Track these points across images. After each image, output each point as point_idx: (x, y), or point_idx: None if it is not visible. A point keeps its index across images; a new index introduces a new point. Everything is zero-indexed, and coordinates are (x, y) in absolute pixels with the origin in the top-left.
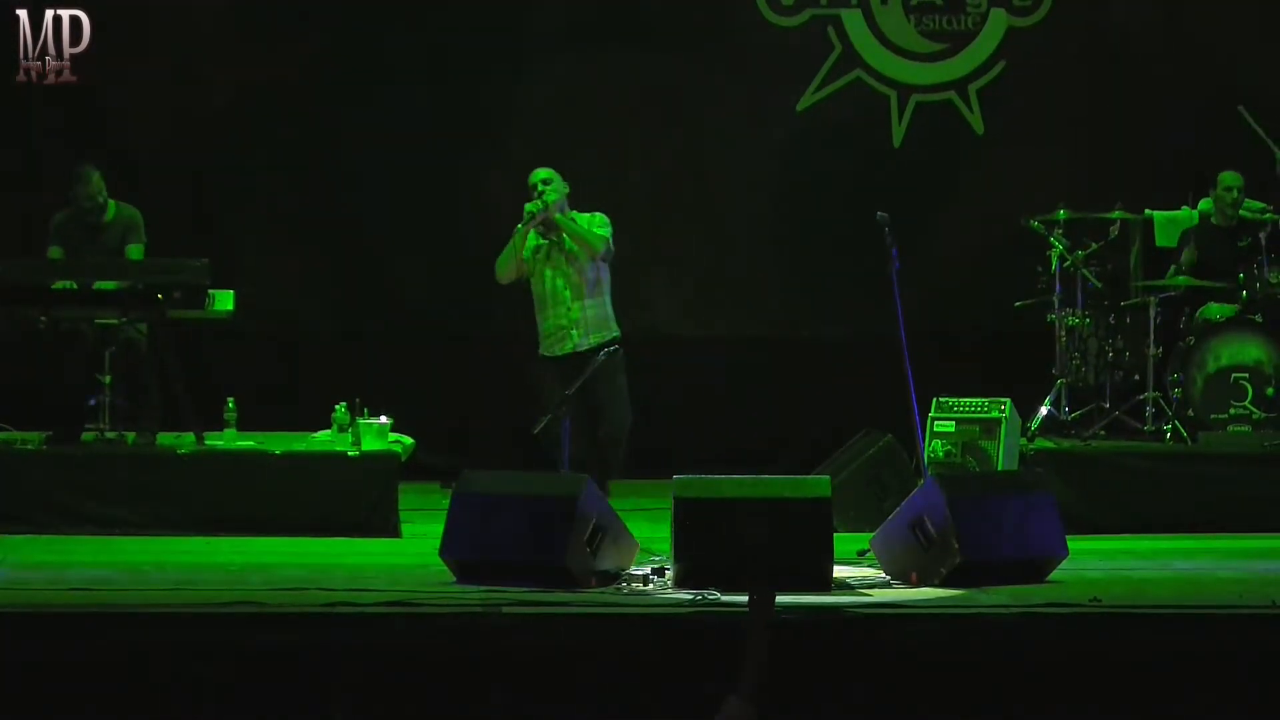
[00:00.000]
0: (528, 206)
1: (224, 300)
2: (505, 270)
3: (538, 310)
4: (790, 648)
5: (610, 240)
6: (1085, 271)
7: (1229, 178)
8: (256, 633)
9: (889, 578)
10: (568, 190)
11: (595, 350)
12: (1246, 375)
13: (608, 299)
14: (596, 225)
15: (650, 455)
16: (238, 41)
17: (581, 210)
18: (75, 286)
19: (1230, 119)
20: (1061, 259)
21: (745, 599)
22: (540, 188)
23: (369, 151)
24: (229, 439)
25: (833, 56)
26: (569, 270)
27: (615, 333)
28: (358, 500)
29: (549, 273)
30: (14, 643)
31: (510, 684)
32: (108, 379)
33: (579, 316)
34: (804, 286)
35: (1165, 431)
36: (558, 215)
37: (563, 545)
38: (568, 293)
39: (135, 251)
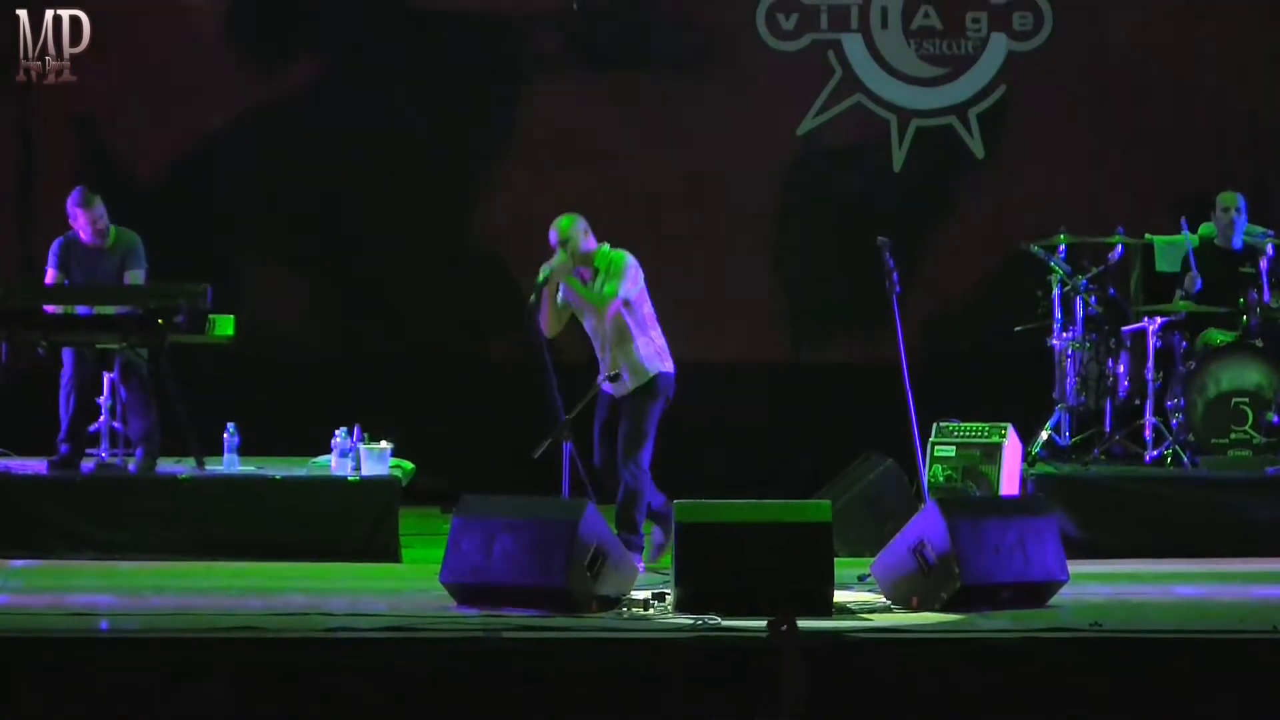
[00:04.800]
0: (541, 272)
1: (224, 325)
2: (549, 328)
3: (593, 344)
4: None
5: (625, 286)
6: (1085, 296)
7: (1226, 198)
8: (256, 657)
9: (890, 602)
10: (580, 242)
11: (639, 389)
12: (1247, 400)
13: (638, 344)
14: (613, 274)
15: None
16: (237, 64)
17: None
18: (75, 311)
19: (1232, 143)
20: (1062, 283)
21: (764, 625)
22: (560, 251)
23: (369, 174)
24: (229, 464)
25: (833, 81)
26: (597, 322)
27: (649, 373)
28: (358, 525)
29: (589, 321)
30: (15, 666)
31: (511, 709)
32: (109, 404)
33: (615, 366)
34: (804, 310)
35: (1166, 456)
36: (566, 280)
37: (563, 570)
38: (600, 342)
39: (135, 277)
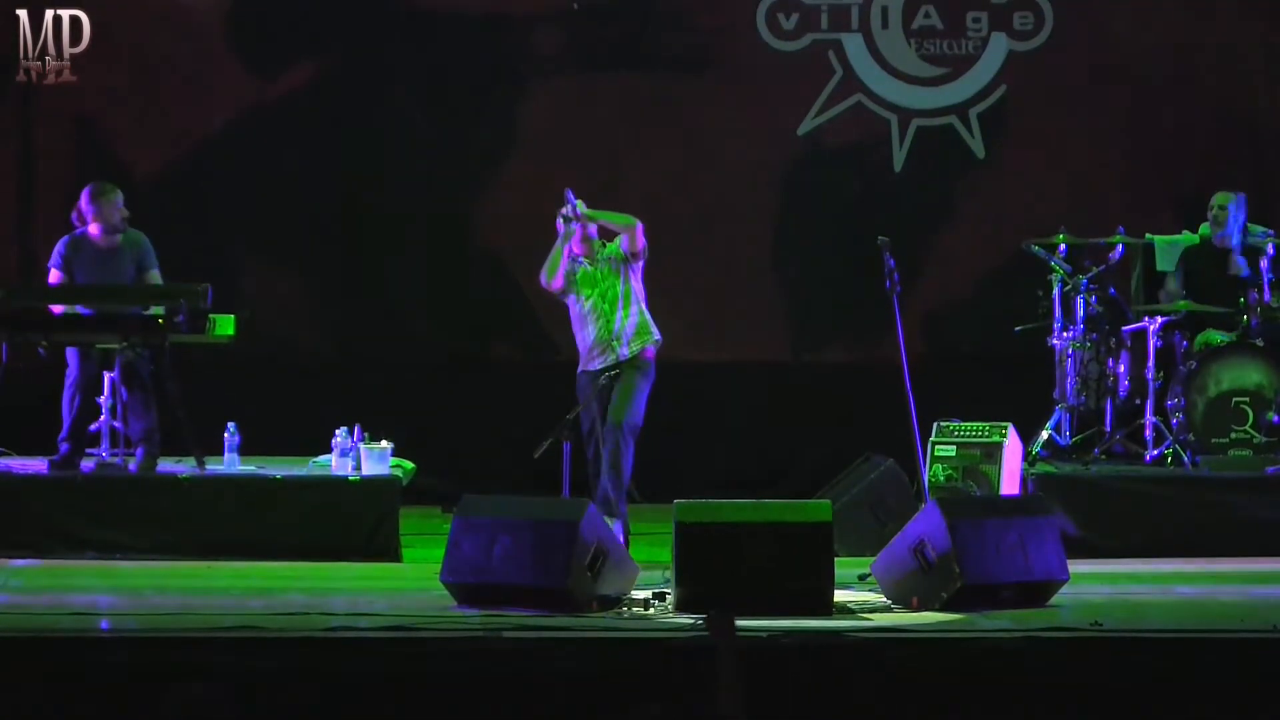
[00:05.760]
0: (562, 214)
1: (225, 325)
2: (551, 274)
3: (579, 328)
4: (791, 672)
5: (639, 224)
6: (1086, 296)
7: (1220, 198)
8: (257, 657)
9: (890, 602)
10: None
11: (634, 356)
12: (1247, 399)
13: (643, 307)
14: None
15: (651, 480)
16: (237, 64)
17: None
18: (77, 311)
19: (1232, 143)
20: (1062, 283)
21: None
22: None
23: (369, 174)
24: (230, 463)
25: (834, 81)
26: (605, 286)
27: (654, 337)
28: (359, 525)
29: (589, 291)
30: (16, 666)
31: (511, 709)
32: (109, 403)
33: (619, 328)
34: (805, 310)
35: (1166, 456)
36: (588, 211)
37: (564, 569)
38: (606, 306)
39: (155, 277)
